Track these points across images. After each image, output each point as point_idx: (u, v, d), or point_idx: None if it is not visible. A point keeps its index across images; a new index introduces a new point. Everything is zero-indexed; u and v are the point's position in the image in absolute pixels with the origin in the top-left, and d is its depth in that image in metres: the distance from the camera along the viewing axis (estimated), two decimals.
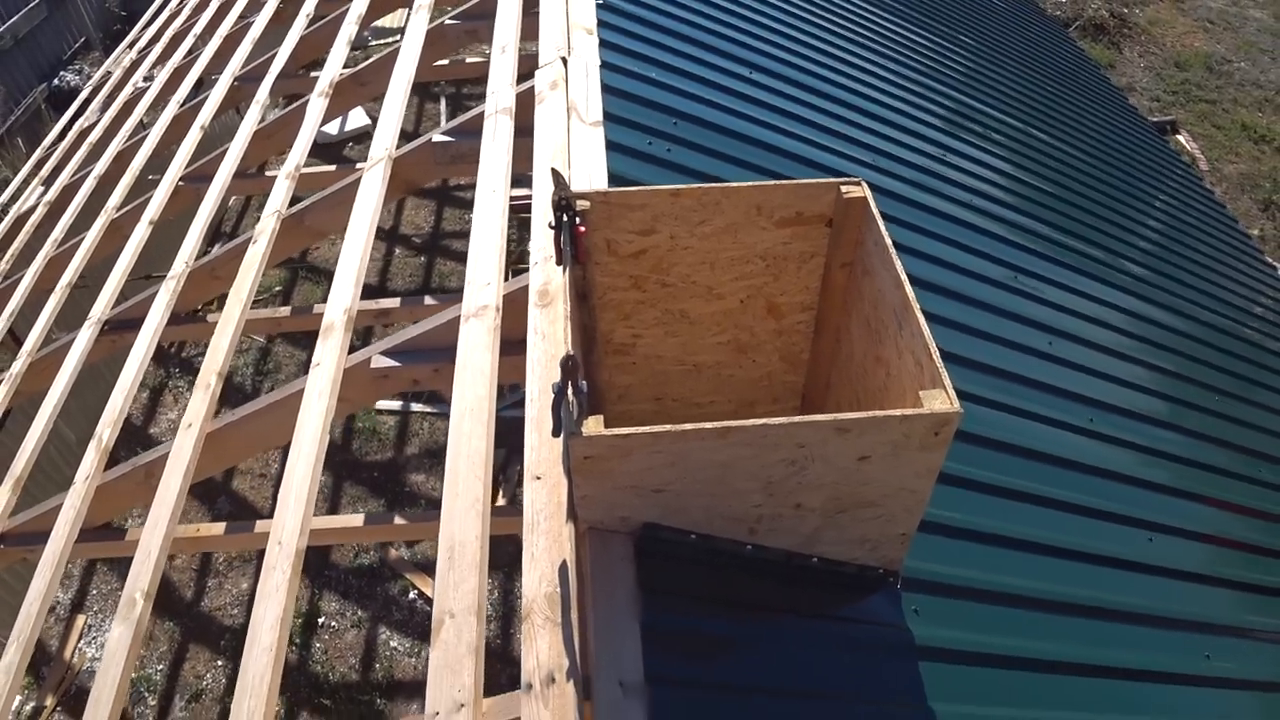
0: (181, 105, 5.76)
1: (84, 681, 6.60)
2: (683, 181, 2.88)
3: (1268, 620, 3.27)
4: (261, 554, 2.43)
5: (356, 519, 3.56)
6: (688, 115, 3.78)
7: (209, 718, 6.36)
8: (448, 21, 4.86)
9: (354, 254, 3.29)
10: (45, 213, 5.86)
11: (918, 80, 5.71)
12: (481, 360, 2.56)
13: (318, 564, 7.16)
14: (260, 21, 6.16)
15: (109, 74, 7.95)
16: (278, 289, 9.59)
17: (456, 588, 2.01)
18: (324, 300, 3.22)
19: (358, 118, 11.62)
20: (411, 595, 6.99)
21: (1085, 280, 4.51)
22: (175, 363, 8.94)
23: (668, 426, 1.76)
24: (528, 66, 3.90)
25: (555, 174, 2.21)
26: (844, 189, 2.35)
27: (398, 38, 4.63)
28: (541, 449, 2.18)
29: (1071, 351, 3.83)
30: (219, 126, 5.69)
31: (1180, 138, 12.42)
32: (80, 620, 6.87)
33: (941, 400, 1.82)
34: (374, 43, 12.66)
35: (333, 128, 11.45)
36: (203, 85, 6.07)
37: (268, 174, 5.04)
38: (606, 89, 3.64)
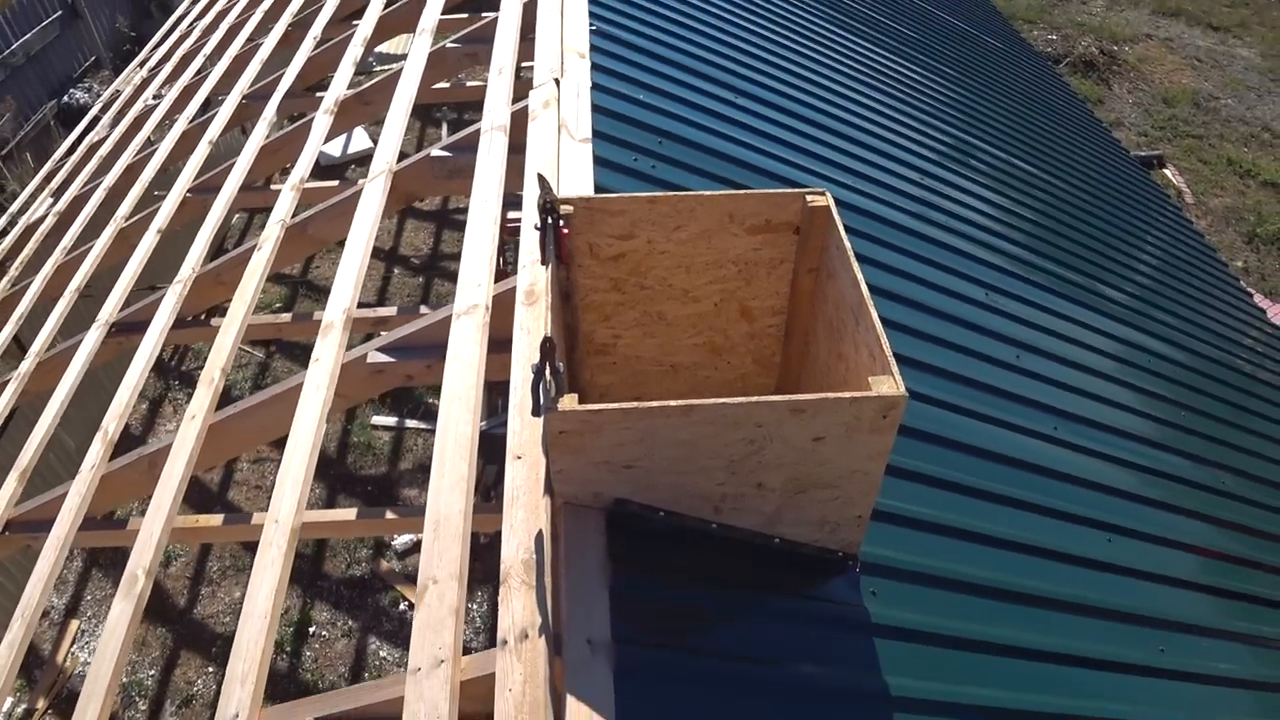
0: (190, 122, 5.96)
1: (75, 686, 6.70)
2: None
3: (1226, 620, 3.43)
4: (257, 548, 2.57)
5: (349, 513, 3.71)
6: (673, 135, 3.97)
7: None
8: (449, 45, 5.06)
9: (354, 260, 3.47)
10: (55, 222, 6.04)
11: (901, 109, 5.92)
12: (470, 353, 2.73)
13: (310, 574, 7.28)
14: (269, 44, 6.37)
15: (119, 92, 8.16)
16: (278, 305, 9.78)
17: (440, 556, 2.16)
18: (323, 309, 3.38)
19: (360, 141, 11.86)
20: (402, 607, 7.10)
21: (1056, 299, 4.69)
22: (175, 375, 9.10)
23: (636, 404, 1.92)
24: (524, 88, 4.09)
25: (541, 179, 2.38)
26: (809, 198, 2.52)
27: (401, 63, 4.83)
28: (523, 431, 2.34)
29: (1039, 365, 4.01)
30: (225, 145, 5.88)
31: (1167, 172, 12.67)
32: (74, 625, 6.98)
33: (889, 385, 1.98)
34: (377, 68, 12.91)
35: (336, 150, 11.69)
36: (211, 104, 6.27)
37: (273, 188, 5.22)
38: (596, 108, 3.83)
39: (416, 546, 7.41)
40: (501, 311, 2.92)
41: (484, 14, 5.20)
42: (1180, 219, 8.15)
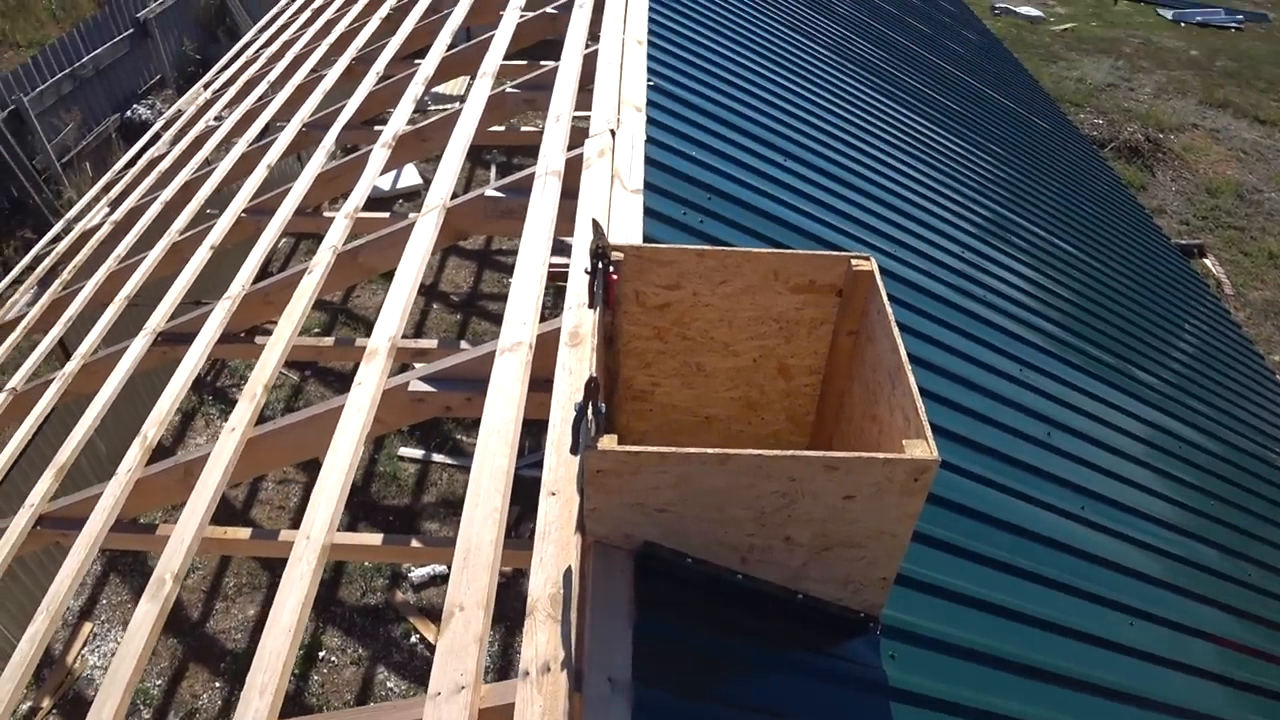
0: (250, 145, 6.13)
1: (81, 688, 6.74)
2: None
3: (1244, 714, 3.39)
4: (274, 577, 2.61)
5: (375, 537, 3.75)
6: (722, 192, 4.05)
7: None
8: (508, 89, 5.20)
9: (402, 290, 3.55)
10: (110, 231, 6.20)
11: (946, 182, 5.98)
12: (512, 389, 2.78)
13: (324, 599, 7.31)
14: (332, 75, 6.56)
15: (181, 111, 8.40)
16: (317, 330, 9.92)
17: (469, 585, 2.20)
18: (365, 338, 3.45)
19: (410, 177, 12.09)
20: (413, 639, 7.11)
21: (1089, 380, 4.70)
22: (209, 390, 9.24)
23: (673, 449, 1.96)
24: (579, 137, 4.19)
25: (595, 225, 2.46)
26: (854, 262, 2.57)
27: (455, 105, 4.96)
28: (559, 468, 2.38)
29: (1070, 443, 4.01)
30: (281, 170, 6.03)
31: (1207, 261, 12.65)
32: (87, 628, 7.03)
33: (922, 449, 2.01)
34: (432, 107, 13.19)
35: (385, 184, 11.91)
36: (270, 129, 6.44)
37: (324, 215, 5.35)
38: (649, 161, 3.91)
39: (433, 580, 7.44)
40: (544, 351, 2.98)
41: (544, 62, 5.34)
42: (1219, 309, 8.13)
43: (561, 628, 2.03)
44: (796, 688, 2.25)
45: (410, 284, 3.57)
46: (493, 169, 12.68)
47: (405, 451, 8.54)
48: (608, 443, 1.97)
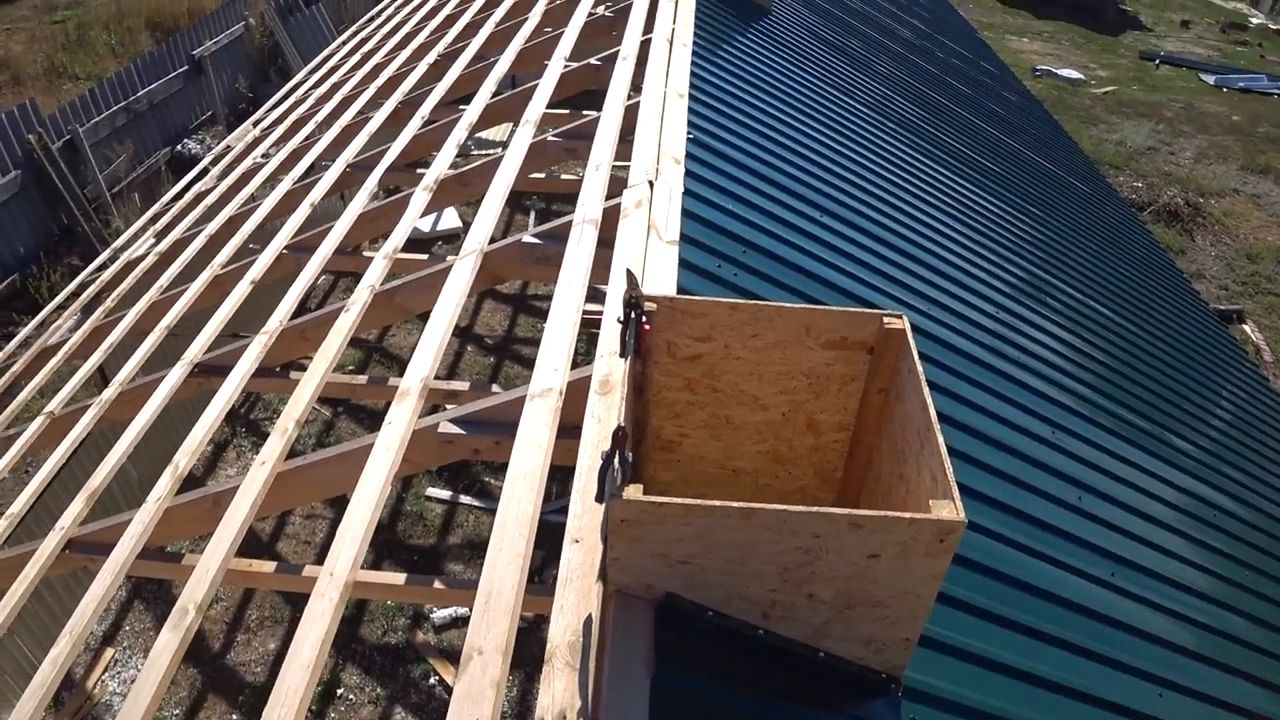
0: (295, 183, 6.25)
1: (100, 714, 6.76)
2: None
3: None
4: (296, 612, 2.63)
5: (398, 576, 3.76)
6: (757, 246, 4.08)
7: None
8: (550, 138, 5.28)
9: (437, 331, 3.59)
10: (154, 262, 6.33)
11: (982, 242, 5.99)
12: (540, 434, 2.80)
13: (345, 635, 7.31)
14: (378, 118, 6.69)
15: (230, 147, 8.59)
16: (351, 367, 10.02)
17: (489, 629, 2.20)
18: (398, 377, 3.49)
19: (450, 220, 12.25)
20: (432, 680, 7.08)
21: (1122, 444, 4.65)
22: (242, 422, 9.34)
23: (698, 501, 1.96)
24: (617, 186, 4.25)
25: (630, 275, 2.48)
26: (886, 320, 2.58)
27: (498, 150, 5.04)
28: (584, 516, 2.39)
29: (1100, 508, 3.97)
30: (324, 209, 6.14)
31: (1246, 328, 12.51)
32: (108, 653, 7.07)
33: (949, 510, 2.00)
34: (475, 152, 13.40)
35: (425, 225, 12.08)
36: (316, 168, 6.57)
37: (364, 254, 5.43)
38: (686, 213, 3.96)
39: (454, 621, 7.42)
40: (574, 398, 3.00)
41: (586, 112, 5.42)
42: (1257, 376, 8.03)
43: (579, 676, 2.02)
44: None
45: (445, 326, 3.62)
46: (532, 215, 12.83)
47: (433, 492, 8.57)
48: (633, 492, 1.97)
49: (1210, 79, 23.96)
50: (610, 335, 3.04)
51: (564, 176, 6.67)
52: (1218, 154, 18.69)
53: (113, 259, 7.37)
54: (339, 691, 6.94)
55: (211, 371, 4.46)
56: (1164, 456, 4.92)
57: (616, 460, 1.98)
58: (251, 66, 15.66)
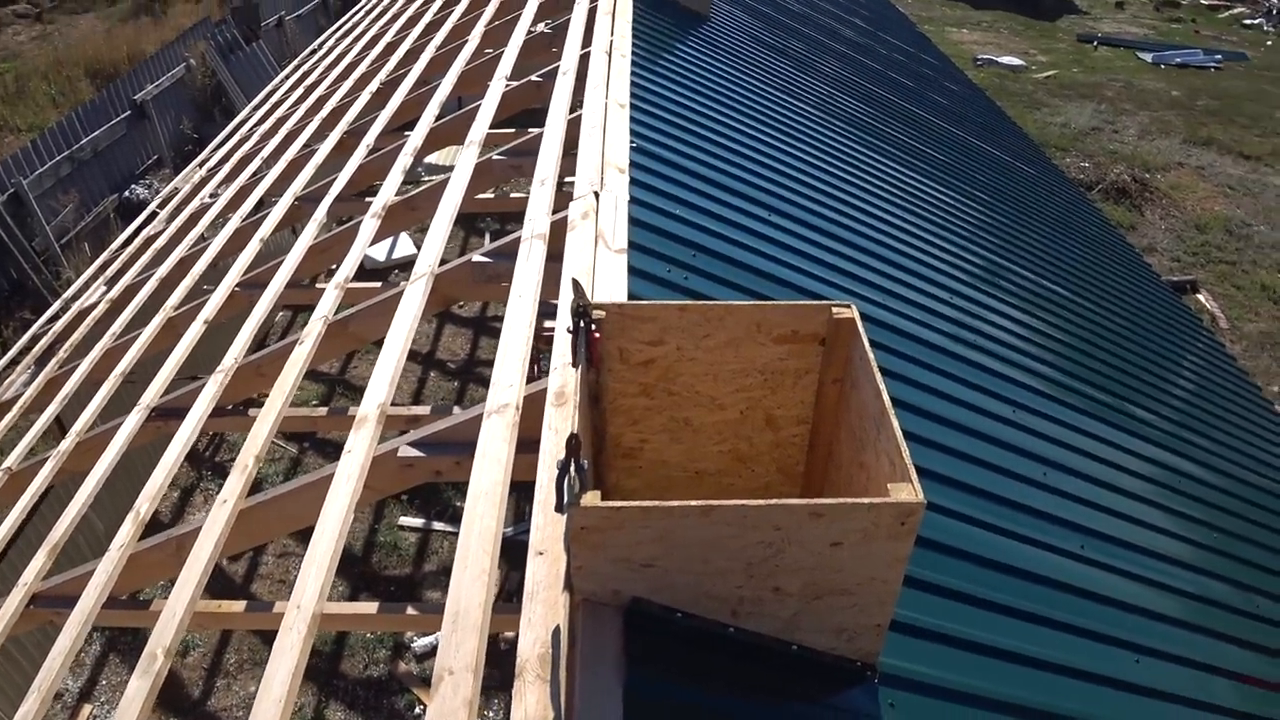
0: (244, 220, 6.20)
1: None
2: None
3: None
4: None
5: (370, 606, 3.72)
6: (706, 249, 4.10)
7: None
8: (495, 157, 5.28)
9: (391, 356, 3.57)
10: (106, 309, 6.25)
11: (934, 230, 6.04)
12: (499, 451, 2.79)
13: (327, 672, 7.23)
14: (323, 150, 6.66)
15: (177, 189, 8.52)
16: (315, 402, 9.94)
17: (458, 648, 2.18)
18: (358, 406, 3.47)
19: (405, 247, 12.20)
20: (418, 710, 7.01)
21: (1086, 419, 4.70)
22: (208, 465, 9.23)
23: (656, 503, 1.96)
24: (564, 200, 4.25)
25: (576, 284, 2.48)
26: (835, 310, 2.59)
27: (448, 174, 5.03)
28: (546, 528, 2.38)
29: (1067, 483, 4.00)
30: (275, 243, 6.09)
31: (1200, 297, 12.71)
32: (86, 710, 6.94)
33: (908, 492, 2.01)
34: (425, 177, 13.37)
35: (381, 254, 12.02)
36: (264, 204, 6.53)
37: (317, 286, 5.39)
38: (633, 221, 3.96)
39: (435, 650, 7.35)
40: (532, 413, 2.99)
41: (530, 129, 5.43)
42: (1214, 344, 8.15)
43: (551, 687, 2.01)
44: None
45: (400, 351, 3.60)
46: (486, 236, 12.81)
47: (405, 520, 8.50)
48: (591, 499, 1.97)
49: (1148, 57, 24.40)
50: (563, 346, 3.04)
51: (513, 195, 6.67)
52: (1160, 129, 19.02)
53: (64, 309, 7.28)
54: None
55: (169, 414, 4.41)
56: (1129, 429, 4.98)
57: (572, 468, 1.97)
58: (195, 107, 15.55)
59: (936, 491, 3.35)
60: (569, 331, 2.52)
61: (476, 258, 4.15)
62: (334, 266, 4.92)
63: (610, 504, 1.95)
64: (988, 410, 4.19)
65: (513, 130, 6.17)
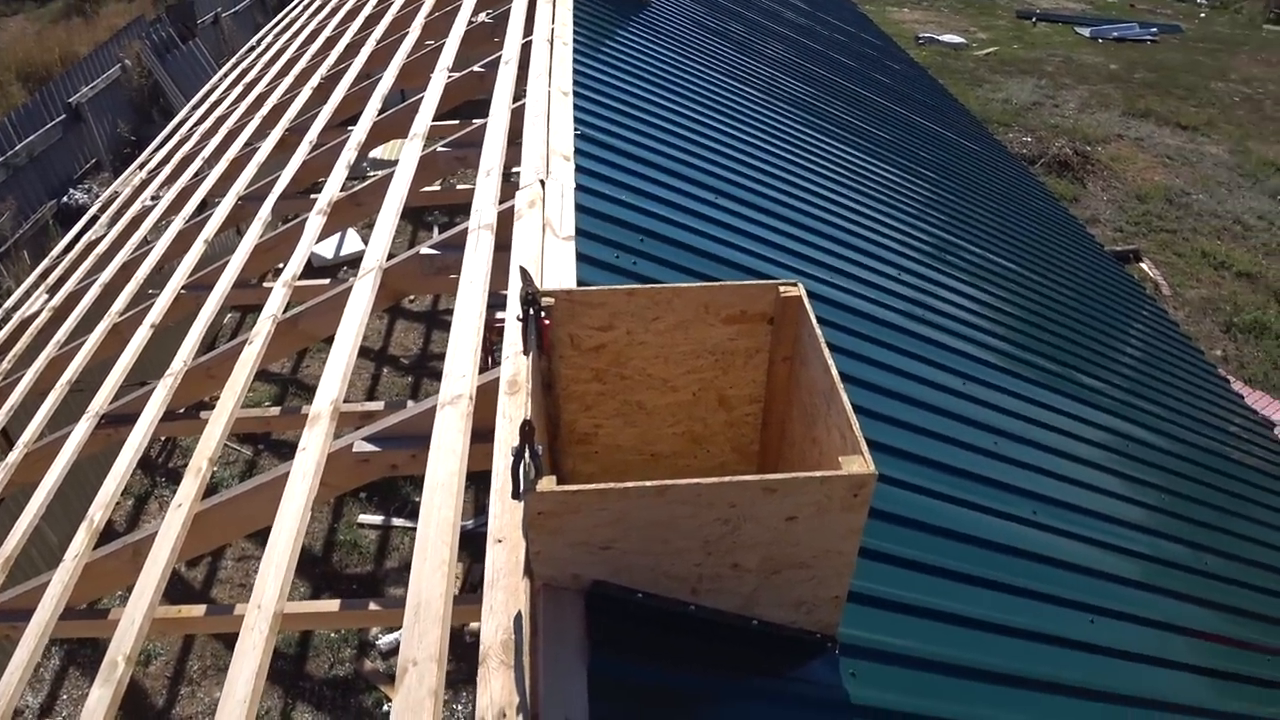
0: (187, 221, 6.11)
1: None
2: None
3: (1215, 700, 3.44)
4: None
5: (332, 604, 3.71)
6: (654, 233, 4.11)
7: None
8: (439, 149, 5.24)
9: (342, 352, 3.55)
10: (49, 318, 6.13)
11: (880, 209, 6.11)
12: (454, 441, 2.79)
13: (292, 674, 7.19)
14: (265, 147, 6.57)
15: (117, 193, 8.36)
16: (268, 403, 9.83)
17: (421, 639, 2.19)
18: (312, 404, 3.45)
19: (353, 243, 12.09)
20: (386, 707, 6.99)
21: (1035, 389, 4.79)
22: (161, 472, 9.10)
23: (612, 485, 1.98)
24: (511, 190, 4.24)
25: (524, 271, 2.49)
26: (782, 289, 2.62)
27: (393, 168, 5.00)
28: (504, 516, 2.39)
29: (1017, 451, 4.08)
30: (220, 244, 6.02)
31: (1144, 265, 12.97)
32: None
33: (859, 464, 2.05)
34: (370, 172, 13.25)
35: (329, 252, 11.90)
36: (207, 205, 6.44)
37: (265, 285, 5.33)
38: (580, 208, 3.97)
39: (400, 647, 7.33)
40: (486, 403, 2.99)
41: (474, 120, 5.40)
42: (1158, 311, 8.33)
43: (515, 673, 2.02)
44: (759, 713, 2.26)
45: (350, 347, 3.57)
46: (435, 230, 12.73)
47: (365, 518, 8.45)
48: (546, 484, 1.98)
49: (1086, 31, 24.78)
50: (514, 335, 3.04)
51: (460, 187, 6.60)
52: (1100, 102, 19.35)
53: (5, 319, 7.12)
54: None
55: (119, 421, 4.34)
56: (1079, 397, 5.08)
57: (527, 454, 1.98)
58: (133, 109, 15.25)
59: (889, 464, 3.40)
60: (519, 319, 2.53)
61: (424, 250, 4.13)
62: (281, 265, 4.87)
63: (566, 488, 1.97)
64: (938, 383, 4.25)
65: (457, 122, 6.15)
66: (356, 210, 5.20)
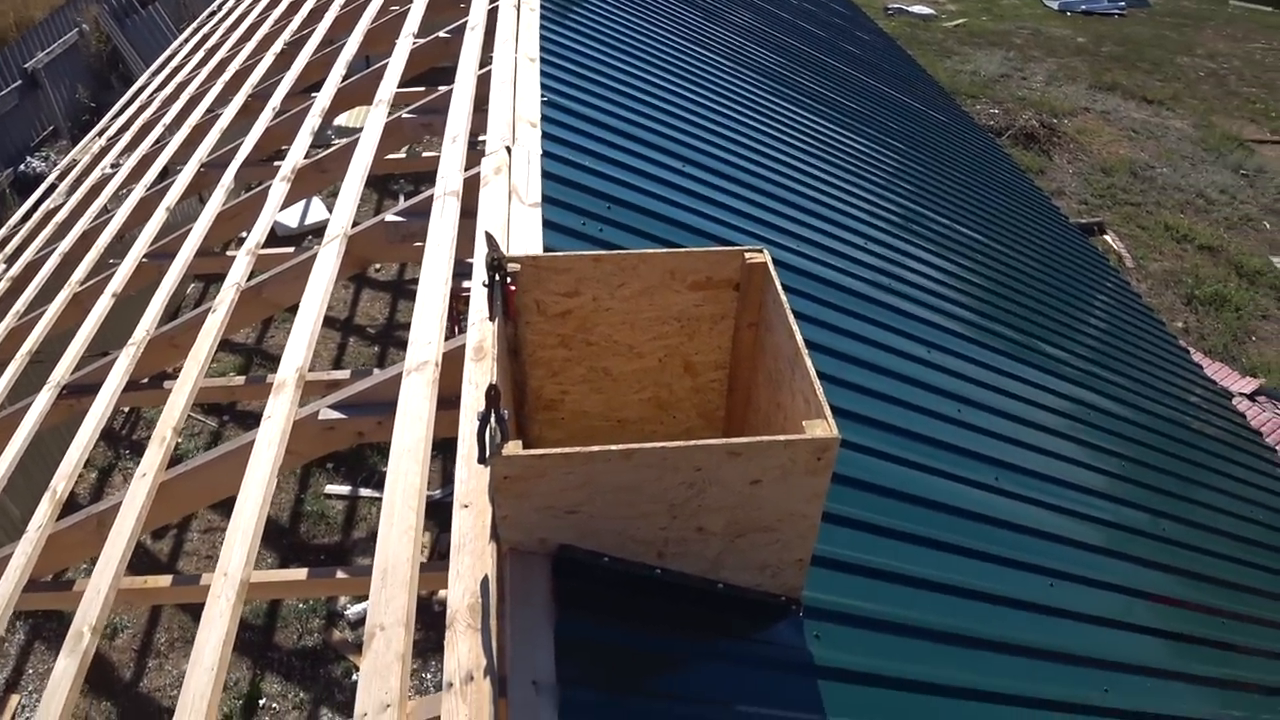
0: (148, 189, 6.01)
1: None
2: None
3: (1173, 661, 3.52)
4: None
5: (299, 572, 3.70)
6: (621, 200, 4.10)
7: None
8: (404, 115, 5.19)
9: (308, 320, 3.52)
10: (7, 288, 6.03)
11: (847, 178, 6.12)
12: (420, 408, 2.78)
13: (260, 645, 7.17)
14: (228, 114, 6.48)
15: (76, 160, 8.21)
16: (233, 373, 9.74)
17: (388, 604, 2.19)
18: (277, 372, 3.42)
19: (318, 212, 11.96)
20: (354, 677, 6.99)
21: (999, 357, 4.84)
22: (125, 444, 9.01)
23: (578, 449, 1.98)
24: (477, 157, 4.21)
25: (489, 237, 2.47)
26: (748, 255, 2.63)
27: (357, 135, 4.94)
28: (470, 481, 2.39)
29: (980, 418, 4.13)
30: (182, 212, 5.94)
31: (1108, 238, 13.10)
32: (14, 700, 6.79)
33: (822, 428, 2.06)
34: (334, 140, 13.08)
35: (294, 221, 11.76)
36: (169, 172, 6.34)
37: (229, 254, 5.27)
38: (546, 175, 3.95)
39: None
40: (452, 370, 2.98)
41: (439, 87, 5.35)
42: (1121, 282, 8.43)
43: (482, 636, 2.03)
44: (723, 675, 2.28)
45: (315, 314, 3.55)
46: (401, 198, 12.61)
47: (332, 489, 8.42)
48: (512, 448, 1.98)
49: (1054, 4, 24.85)
50: (480, 301, 3.03)
51: (426, 154, 6.53)
52: (1067, 75, 19.45)
53: None
54: (261, 702, 6.81)
55: (81, 391, 4.29)
56: (1043, 366, 5.14)
57: (493, 419, 1.98)
58: (91, 75, 14.95)
59: (854, 430, 3.44)
60: (485, 285, 2.52)
61: (390, 217, 4.10)
62: (244, 233, 4.81)
63: (532, 452, 1.97)
64: (903, 351, 4.29)
65: (422, 89, 6.08)
66: (321, 177, 5.14)
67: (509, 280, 2.51)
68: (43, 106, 13.65)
